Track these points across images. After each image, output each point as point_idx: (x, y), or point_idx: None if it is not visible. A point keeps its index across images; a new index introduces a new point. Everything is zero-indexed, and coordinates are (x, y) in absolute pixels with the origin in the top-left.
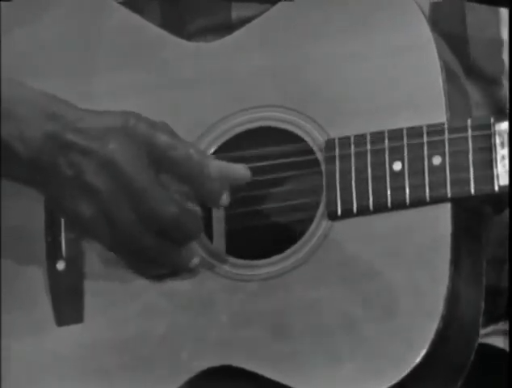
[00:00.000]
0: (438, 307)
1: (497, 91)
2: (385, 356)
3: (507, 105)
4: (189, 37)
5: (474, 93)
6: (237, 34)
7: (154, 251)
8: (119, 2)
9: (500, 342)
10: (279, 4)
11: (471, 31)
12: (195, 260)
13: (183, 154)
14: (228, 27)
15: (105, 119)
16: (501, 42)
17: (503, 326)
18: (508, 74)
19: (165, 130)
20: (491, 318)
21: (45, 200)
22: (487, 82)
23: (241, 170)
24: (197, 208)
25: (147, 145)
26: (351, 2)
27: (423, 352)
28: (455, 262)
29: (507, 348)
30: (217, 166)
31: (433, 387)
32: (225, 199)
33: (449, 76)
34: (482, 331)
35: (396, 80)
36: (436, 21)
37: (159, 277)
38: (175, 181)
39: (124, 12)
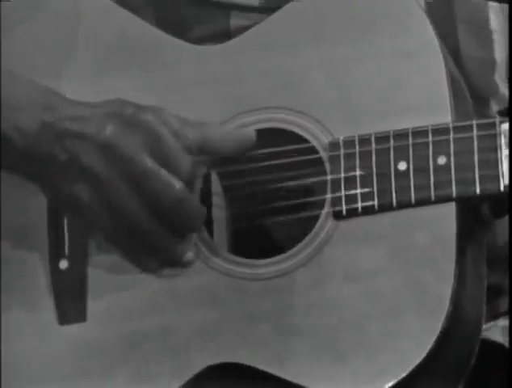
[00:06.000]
0: (444, 305)
1: (486, 112)
2: (390, 354)
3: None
4: None
5: None
6: (241, 37)
7: (152, 236)
8: None
9: (498, 336)
10: (284, 7)
11: (463, 47)
12: (190, 255)
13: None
14: (226, 36)
15: (102, 107)
16: (493, 63)
17: (502, 322)
18: (508, 76)
19: (170, 118)
20: (492, 316)
21: (42, 191)
22: (477, 100)
23: (246, 133)
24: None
25: (149, 132)
26: (357, 5)
27: (428, 350)
28: (460, 261)
29: (506, 343)
30: (221, 133)
31: (437, 385)
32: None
33: (453, 79)
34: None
35: (401, 82)
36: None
37: (153, 270)
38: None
39: (126, 14)
